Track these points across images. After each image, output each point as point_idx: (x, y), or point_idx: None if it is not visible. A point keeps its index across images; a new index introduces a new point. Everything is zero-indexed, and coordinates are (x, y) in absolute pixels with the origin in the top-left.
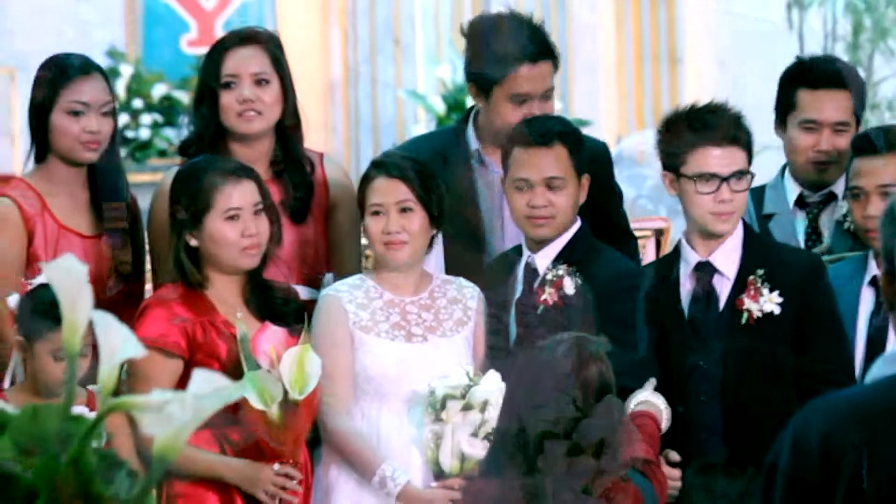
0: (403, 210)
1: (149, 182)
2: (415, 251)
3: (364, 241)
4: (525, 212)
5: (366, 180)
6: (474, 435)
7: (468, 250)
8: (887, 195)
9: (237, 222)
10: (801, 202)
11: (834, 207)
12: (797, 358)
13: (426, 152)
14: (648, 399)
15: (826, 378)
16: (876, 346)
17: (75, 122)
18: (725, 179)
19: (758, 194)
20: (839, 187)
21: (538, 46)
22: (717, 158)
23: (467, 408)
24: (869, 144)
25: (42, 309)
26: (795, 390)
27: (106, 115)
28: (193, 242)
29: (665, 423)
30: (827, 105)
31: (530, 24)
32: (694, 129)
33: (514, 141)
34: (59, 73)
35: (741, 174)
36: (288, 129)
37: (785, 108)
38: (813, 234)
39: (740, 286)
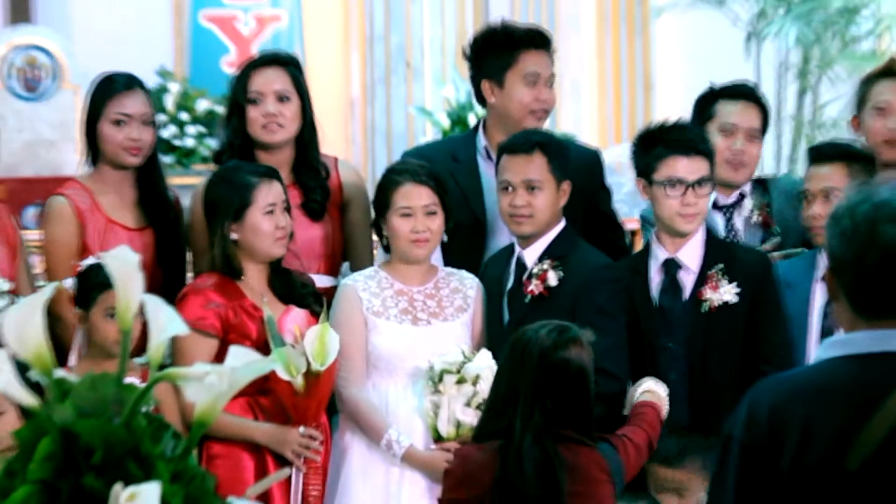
0: (429, 213)
1: (193, 184)
2: (433, 247)
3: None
4: (508, 210)
5: (394, 184)
6: (467, 405)
7: (475, 236)
8: (828, 198)
9: (272, 216)
10: (715, 205)
11: (741, 207)
12: (746, 340)
13: (441, 153)
14: (652, 388)
15: (767, 358)
16: (828, 335)
17: (119, 130)
18: (690, 185)
19: None
20: (747, 188)
21: (539, 35)
22: (683, 167)
23: (461, 381)
24: (819, 155)
25: (93, 281)
26: (744, 367)
27: (146, 125)
28: (234, 235)
29: (665, 409)
30: (742, 113)
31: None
32: (665, 142)
33: (501, 150)
34: (106, 89)
35: (704, 181)
36: (306, 139)
37: (705, 119)
38: (731, 231)
39: (702, 279)
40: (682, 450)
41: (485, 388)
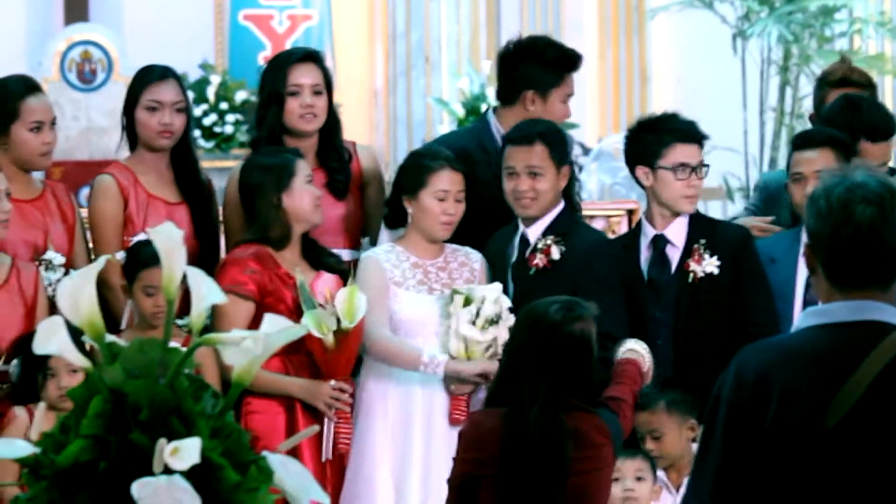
0: (458, 200)
1: (231, 167)
2: (454, 227)
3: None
4: (513, 195)
5: (430, 168)
6: (473, 323)
7: (492, 218)
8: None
9: (311, 185)
10: None
11: None
12: (735, 306)
13: (462, 144)
14: (633, 347)
15: (754, 321)
16: (811, 305)
17: (153, 116)
18: (694, 169)
19: None
20: None
21: (578, 60)
22: (688, 153)
23: (468, 302)
24: (807, 140)
25: (139, 257)
26: (734, 331)
27: (179, 112)
28: (284, 204)
29: (647, 365)
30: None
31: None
32: (669, 132)
33: (507, 140)
34: (142, 78)
35: (702, 166)
36: (331, 127)
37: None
38: None
39: (687, 253)
40: (651, 394)
41: (489, 310)
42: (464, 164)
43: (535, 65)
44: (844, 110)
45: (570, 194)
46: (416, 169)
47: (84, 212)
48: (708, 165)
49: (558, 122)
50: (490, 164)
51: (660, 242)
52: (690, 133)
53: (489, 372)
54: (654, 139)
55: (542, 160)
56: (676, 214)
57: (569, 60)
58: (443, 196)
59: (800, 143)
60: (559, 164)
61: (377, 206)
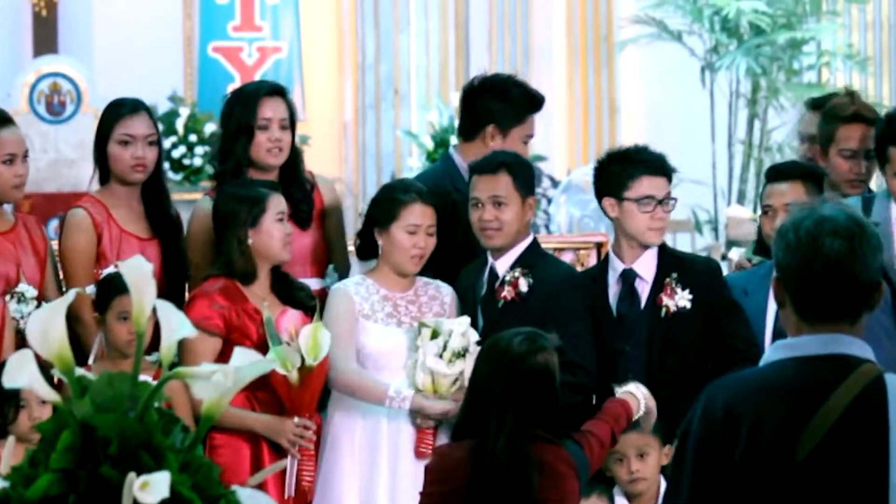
0: (429, 233)
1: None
2: (423, 263)
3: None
4: (478, 225)
5: (401, 202)
6: (440, 356)
7: (462, 252)
8: (787, 212)
9: (282, 224)
10: None
11: None
12: (709, 339)
13: (439, 183)
14: (630, 390)
15: (744, 356)
16: (781, 337)
17: (125, 150)
18: (660, 202)
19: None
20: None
21: (541, 102)
22: (654, 185)
23: (435, 335)
24: (778, 174)
25: (110, 287)
26: (717, 366)
27: (151, 145)
28: (251, 241)
29: (641, 410)
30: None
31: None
32: (635, 164)
33: (472, 169)
34: (114, 112)
35: (669, 198)
36: (293, 159)
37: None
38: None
39: (658, 287)
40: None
41: (456, 343)
42: (441, 203)
43: (499, 101)
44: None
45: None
46: (387, 202)
47: (55, 244)
48: (675, 199)
49: None
50: (466, 202)
51: (629, 276)
52: (658, 165)
53: (454, 411)
54: (621, 171)
55: (506, 189)
56: (644, 247)
57: (532, 101)
58: (413, 230)
59: (772, 175)
60: (524, 195)
61: (339, 234)
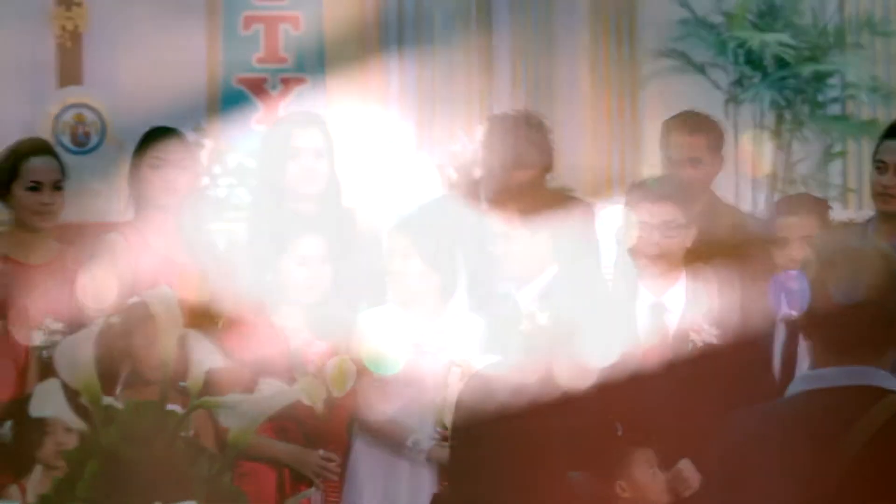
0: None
1: (223, 231)
2: None
3: None
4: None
5: None
6: None
7: None
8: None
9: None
10: None
11: None
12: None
13: None
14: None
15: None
16: (787, 367)
17: (155, 173)
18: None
19: None
20: None
21: None
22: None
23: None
24: (790, 207)
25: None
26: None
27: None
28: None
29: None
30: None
31: None
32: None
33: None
34: (147, 138)
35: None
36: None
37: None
38: None
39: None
40: None
41: None
42: None
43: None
44: None
45: None
46: None
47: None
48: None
49: None
50: None
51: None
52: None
53: None
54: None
55: None
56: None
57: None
58: None
59: (784, 208)
60: None
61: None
